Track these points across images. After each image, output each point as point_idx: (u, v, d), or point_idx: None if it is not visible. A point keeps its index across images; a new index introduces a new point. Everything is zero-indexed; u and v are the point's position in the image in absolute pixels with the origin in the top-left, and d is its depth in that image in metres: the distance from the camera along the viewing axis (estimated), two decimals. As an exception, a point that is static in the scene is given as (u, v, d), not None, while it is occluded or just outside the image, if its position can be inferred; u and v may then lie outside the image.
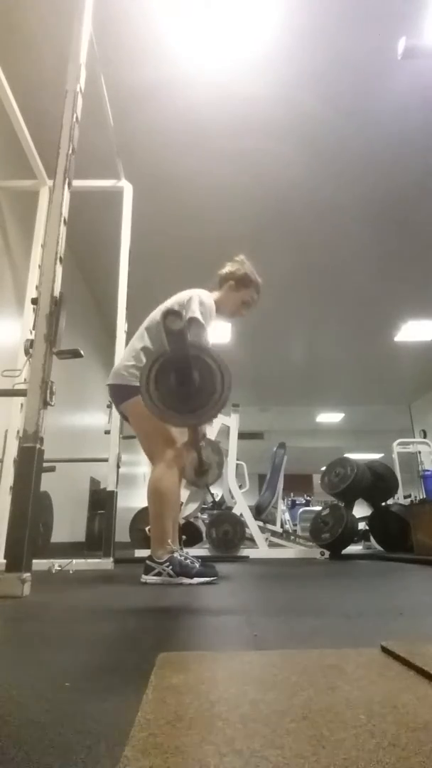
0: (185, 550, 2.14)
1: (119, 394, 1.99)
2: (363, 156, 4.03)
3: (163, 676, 0.57)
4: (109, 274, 3.47)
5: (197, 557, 2.00)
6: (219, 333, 6.94)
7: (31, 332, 2.46)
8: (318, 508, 7.18)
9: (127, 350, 2.09)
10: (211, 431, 4.37)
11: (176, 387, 1.25)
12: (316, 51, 3.17)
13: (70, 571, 2.44)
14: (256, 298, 2.30)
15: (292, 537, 5.98)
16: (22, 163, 3.23)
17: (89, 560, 2.81)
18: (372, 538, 5.04)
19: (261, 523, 4.87)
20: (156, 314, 2.09)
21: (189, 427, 1.88)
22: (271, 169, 4.15)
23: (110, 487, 2.97)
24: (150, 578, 1.85)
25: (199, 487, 4.22)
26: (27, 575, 1.43)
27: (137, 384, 1.85)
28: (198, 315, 1.96)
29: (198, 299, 2.01)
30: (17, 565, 1.43)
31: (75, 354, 1.82)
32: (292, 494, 12.62)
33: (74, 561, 2.59)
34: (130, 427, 2.12)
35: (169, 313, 1.10)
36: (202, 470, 3.84)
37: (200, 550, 4.21)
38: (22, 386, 2.02)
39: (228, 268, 2.27)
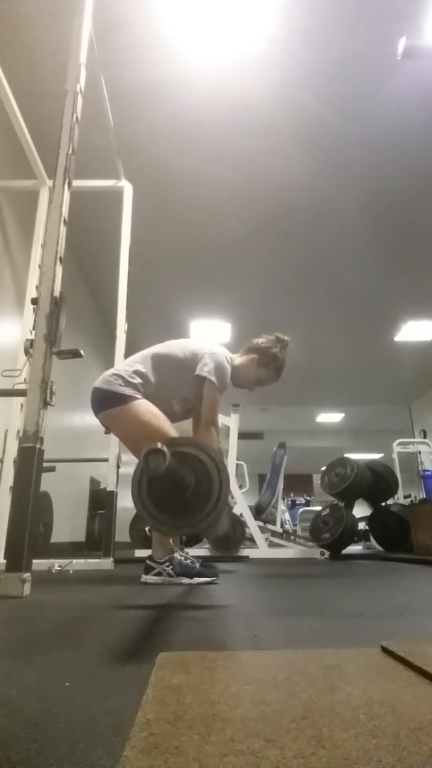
0: (185, 550, 2.14)
1: (104, 399, 1.83)
2: (363, 156, 4.03)
3: (163, 676, 0.57)
4: (109, 274, 3.47)
5: (197, 557, 2.00)
6: (219, 333, 6.94)
7: (31, 332, 2.46)
8: (318, 508, 7.18)
9: (126, 362, 1.98)
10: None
11: (170, 491, 1.16)
12: (316, 51, 3.17)
13: (70, 571, 2.44)
14: (273, 381, 2.17)
15: (292, 537, 5.98)
16: (22, 163, 3.23)
17: (89, 560, 2.81)
18: (372, 538, 5.04)
19: (261, 523, 4.87)
20: (172, 350, 1.95)
21: (185, 534, 1.78)
22: (271, 169, 4.15)
23: (110, 487, 2.97)
24: (150, 578, 1.85)
25: (211, 539, 4.13)
26: (27, 575, 1.43)
27: (123, 392, 1.79)
28: (213, 377, 1.83)
29: (215, 361, 1.88)
30: (17, 565, 1.43)
31: (75, 354, 1.82)
32: (292, 494, 12.61)
33: (74, 561, 2.59)
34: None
35: (151, 452, 1.02)
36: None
37: (200, 550, 4.21)
38: (22, 386, 2.02)
39: (263, 341, 2.12)
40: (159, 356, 1.93)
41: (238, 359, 2.09)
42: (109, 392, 1.82)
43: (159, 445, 1.02)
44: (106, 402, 1.82)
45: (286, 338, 2.15)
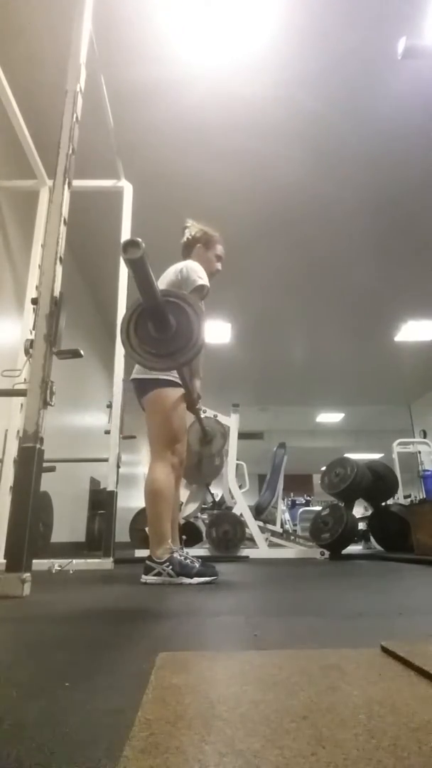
0: (185, 550, 2.14)
1: (140, 388, 2.04)
2: (363, 156, 4.03)
3: (163, 676, 0.57)
4: (109, 274, 3.47)
5: (197, 557, 2.00)
6: (219, 333, 6.94)
7: (31, 332, 2.46)
8: (318, 508, 7.18)
9: None
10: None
11: (155, 333, 1.31)
12: (316, 51, 3.17)
13: (70, 571, 2.44)
14: (223, 251, 2.36)
15: (292, 537, 5.98)
16: (22, 163, 3.23)
17: (89, 560, 2.81)
18: (372, 538, 5.04)
19: (261, 523, 4.87)
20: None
21: (168, 370, 1.92)
22: (272, 168, 4.15)
23: (110, 487, 2.97)
24: (150, 578, 1.85)
25: (200, 483, 4.22)
26: (27, 575, 1.43)
27: (154, 376, 1.96)
28: (203, 281, 2.05)
29: (193, 268, 2.10)
30: (17, 565, 1.43)
31: (75, 354, 1.82)
32: (292, 494, 12.61)
33: (74, 561, 2.59)
34: (136, 425, 2.13)
35: (128, 245, 1.11)
36: (207, 440, 3.83)
37: (200, 550, 4.21)
38: (22, 386, 2.02)
39: (188, 234, 2.32)
40: None
41: (195, 259, 2.26)
42: (139, 380, 2.04)
43: (137, 238, 1.12)
44: (139, 390, 2.07)
45: (188, 220, 2.39)
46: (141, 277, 1.20)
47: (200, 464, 3.84)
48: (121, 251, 1.11)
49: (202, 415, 3.49)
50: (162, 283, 2.13)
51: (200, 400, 2.29)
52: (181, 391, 2.04)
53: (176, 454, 1.99)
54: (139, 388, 2.05)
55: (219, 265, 2.34)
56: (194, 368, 2.14)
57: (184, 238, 2.33)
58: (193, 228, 2.34)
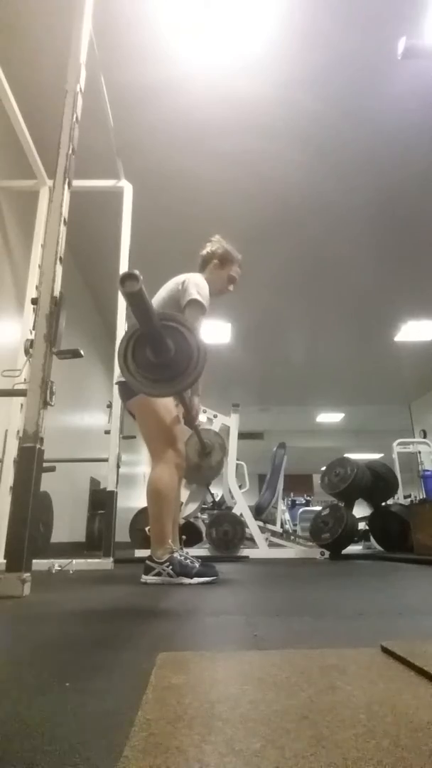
0: (185, 550, 2.14)
1: (128, 391, 2.01)
2: (363, 156, 4.03)
3: (163, 676, 0.57)
4: (109, 274, 3.47)
5: (197, 557, 2.00)
6: (219, 333, 6.94)
7: (31, 332, 2.46)
8: (318, 508, 7.18)
9: None
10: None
11: (153, 358, 1.29)
12: (316, 51, 3.17)
13: (70, 571, 2.44)
14: (239, 272, 2.32)
15: (292, 537, 5.98)
16: (22, 163, 3.23)
17: (89, 560, 2.81)
18: (372, 538, 5.04)
19: (261, 523, 4.87)
20: (157, 300, 2.11)
21: (167, 396, 1.90)
22: (271, 168, 4.15)
23: (110, 487, 2.97)
24: (150, 578, 1.85)
25: (200, 484, 4.23)
26: (27, 575, 1.43)
27: None
28: (197, 296, 2.00)
29: (193, 282, 2.06)
30: (17, 565, 1.43)
31: (75, 354, 1.82)
32: (292, 494, 12.62)
33: (74, 561, 2.59)
34: (136, 426, 2.13)
35: (126, 278, 1.10)
36: (205, 452, 3.83)
37: (200, 550, 4.21)
38: (22, 386, 2.02)
39: (209, 248, 2.29)
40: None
41: (206, 275, 2.22)
42: (126, 383, 1.97)
43: (135, 271, 1.11)
44: (125, 394, 2.03)
45: (215, 236, 2.34)
46: (140, 309, 1.19)
47: (200, 468, 3.85)
48: (119, 284, 1.10)
49: (202, 417, 3.49)
50: (163, 292, 2.12)
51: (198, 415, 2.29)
52: None
53: (178, 453, 1.99)
54: (127, 392, 2.02)
55: (231, 287, 2.30)
56: (193, 386, 2.14)
57: (204, 251, 2.30)
58: (215, 243, 2.30)
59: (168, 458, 1.94)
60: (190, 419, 2.14)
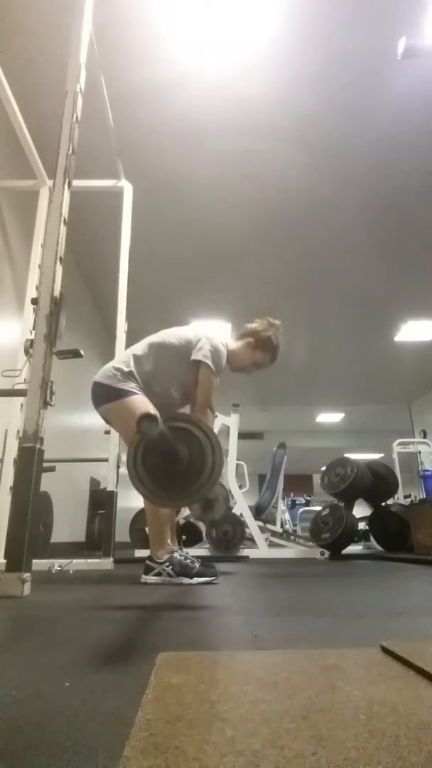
0: (185, 550, 2.14)
1: (104, 394, 1.89)
2: (363, 156, 4.03)
3: (163, 676, 0.57)
4: (109, 274, 3.47)
5: (197, 557, 2.00)
6: (219, 333, 6.94)
7: (31, 332, 2.46)
8: (318, 508, 7.18)
9: (124, 354, 2.05)
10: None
11: (165, 464, 1.17)
12: (316, 51, 3.17)
13: (70, 571, 2.44)
14: (269, 364, 2.19)
15: (292, 537, 5.98)
16: (22, 163, 3.23)
17: (89, 560, 2.81)
18: (372, 538, 5.04)
19: (261, 523, 4.87)
20: (168, 338, 1.99)
21: (180, 507, 1.79)
22: (271, 169, 4.15)
23: (110, 487, 2.97)
24: (150, 578, 1.85)
25: (206, 522, 4.18)
26: (27, 575, 1.43)
27: (121, 386, 1.85)
28: (208, 361, 1.88)
29: (211, 344, 1.93)
30: (17, 565, 1.43)
31: (75, 354, 1.83)
32: (292, 494, 12.61)
33: (74, 561, 2.59)
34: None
35: (144, 418, 1.02)
36: (208, 505, 3.77)
37: (200, 550, 4.21)
38: (22, 386, 2.02)
39: (256, 326, 2.15)
40: (154, 345, 1.99)
41: (234, 344, 2.13)
42: (106, 387, 1.88)
43: (152, 410, 1.03)
44: (104, 396, 1.89)
45: (276, 322, 2.18)
46: (165, 451, 1.11)
47: (203, 518, 3.83)
48: (137, 426, 1.02)
49: None
50: (171, 338, 1.99)
51: None
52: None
53: None
54: (103, 395, 1.88)
55: (252, 370, 2.16)
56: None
57: (251, 325, 2.16)
58: (266, 325, 2.14)
59: None
60: None
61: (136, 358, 1.94)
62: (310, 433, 11.85)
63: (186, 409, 2.06)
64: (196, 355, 1.91)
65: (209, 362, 1.89)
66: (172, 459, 1.16)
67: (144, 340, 2.03)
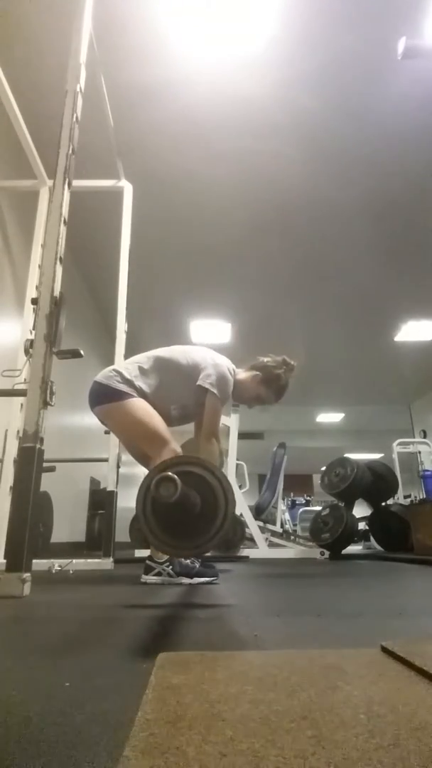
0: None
1: (101, 394, 1.86)
2: (363, 156, 4.03)
3: (163, 676, 0.57)
4: (109, 274, 3.47)
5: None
6: (219, 333, 6.94)
7: (31, 332, 2.46)
8: (318, 508, 7.18)
9: (128, 360, 2.01)
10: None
11: (176, 512, 1.13)
12: (316, 51, 3.17)
13: (70, 571, 2.44)
14: (272, 402, 2.14)
15: (292, 537, 5.98)
16: (22, 163, 3.23)
17: (89, 560, 2.81)
18: (372, 538, 5.04)
19: (261, 523, 4.87)
20: (176, 355, 1.96)
21: (189, 557, 1.76)
22: (271, 169, 4.15)
23: (110, 487, 2.97)
24: (150, 578, 1.84)
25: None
26: (27, 575, 1.43)
27: (119, 388, 1.84)
28: (215, 390, 1.86)
29: (219, 372, 1.90)
30: (17, 565, 1.43)
31: (75, 354, 1.82)
32: (292, 494, 12.61)
33: (74, 561, 2.59)
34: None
35: (164, 480, 1.00)
36: (227, 545, 3.64)
37: (200, 550, 4.20)
38: (22, 386, 2.02)
39: (269, 360, 2.09)
40: (161, 360, 1.96)
41: (242, 374, 2.08)
42: (106, 387, 1.87)
43: (170, 473, 1.00)
44: (102, 397, 1.87)
45: (293, 362, 2.11)
46: (184, 508, 1.08)
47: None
48: (154, 488, 1.00)
49: None
50: (181, 357, 1.95)
51: None
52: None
53: (172, 452, 1.95)
54: (100, 395, 1.85)
55: (254, 404, 2.14)
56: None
57: (263, 359, 2.11)
58: (279, 362, 2.08)
59: (165, 458, 1.92)
60: None
61: (142, 371, 1.91)
62: (310, 433, 11.85)
63: (181, 428, 2.04)
64: (203, 382, 1.88)
65: (216, 390, 1.87)
66: (185, 510, 1.12)
67: (150, 352, 1.99)
